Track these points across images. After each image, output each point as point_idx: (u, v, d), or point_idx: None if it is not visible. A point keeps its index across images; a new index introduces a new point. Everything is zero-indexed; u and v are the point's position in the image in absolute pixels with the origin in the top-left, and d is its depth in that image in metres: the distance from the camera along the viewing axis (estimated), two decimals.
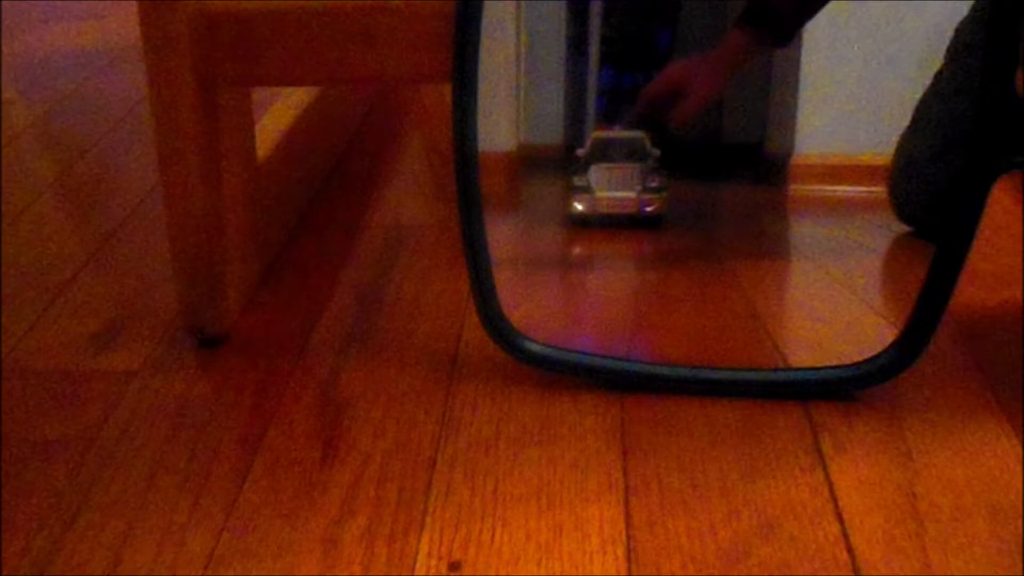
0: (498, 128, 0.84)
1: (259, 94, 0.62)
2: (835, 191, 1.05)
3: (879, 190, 0.97)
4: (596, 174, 0.70)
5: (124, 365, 0.52)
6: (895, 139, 0.98)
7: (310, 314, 0.57)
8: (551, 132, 0.95)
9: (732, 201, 0.94)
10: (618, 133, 0.73)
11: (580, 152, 0.72)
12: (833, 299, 0.63)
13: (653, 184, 0.68)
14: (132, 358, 0.52)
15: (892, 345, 0.44)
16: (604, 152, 0.72)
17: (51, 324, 0.56)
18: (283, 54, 0.43)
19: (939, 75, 0.82)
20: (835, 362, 0.48)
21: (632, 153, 0.70)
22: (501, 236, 0.67)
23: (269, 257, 0.61)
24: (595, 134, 0.73)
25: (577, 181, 0.69)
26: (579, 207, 0.68)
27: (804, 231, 0.85)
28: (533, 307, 0.53)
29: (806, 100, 1.05)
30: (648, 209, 0.68)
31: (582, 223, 0.71)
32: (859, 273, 0.71)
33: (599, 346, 0.48)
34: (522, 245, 0.70)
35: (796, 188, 1.05)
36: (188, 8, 0.43)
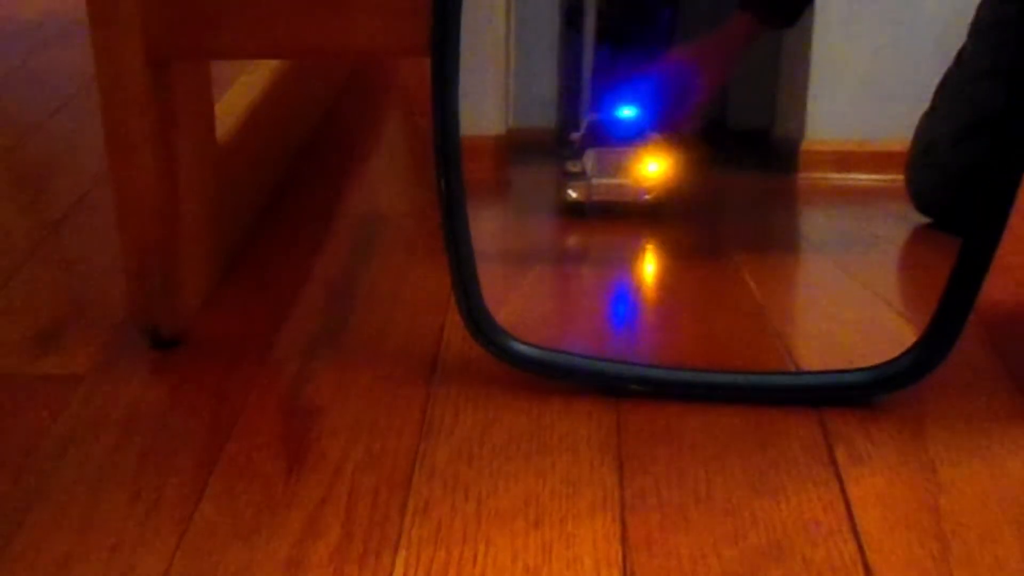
0: (486, 110, 0.83)
1: (219, 68, 0.61)
2: (847, 179, 1.05)
3: (895, 178, 0.97)
4: (591, 159, 0.69)
5: (69, 369, 0.50)
6: (913, 124, 0.97)
7: (276, 311, 0.55)
8: (543, 115, 0.94)
9: (739, 189, 0.94)
10: (614, 115, 0.73)
11: (575, 136, 0.71)
12: (848, 296, 0.62)
13: (652, 170, 0.69)
14: (78, 361, 0.51)
15: (913, 347, 0.44)
16: (600, 136, 0.72)
17: None
18: (242, 24, 0.42)
19: (961, 54, 0.81)
20: (851, 365, 0.47)
21: (631, 136, 0.70)
22: (487, 226, 0.66)
23: (231, 248, 0.59)
24: (590, 116, 0.73)
25: (571, 167, 0.69)
26: (573, 194, 0.68)
27: (815, 221, 0.85)
28: (521, 304, 0.52)
29: (817, 82, 1.04)
30: (647, 196, 0.68)
31: (576, 212, 0.71)
32: (875, 267, 0.70)
33: (593, 347, 0.47)
34: (510, 236, 0.69)
35: (806, 176, 1.05)
36: None
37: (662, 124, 0.77)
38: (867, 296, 0.63)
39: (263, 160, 0.65)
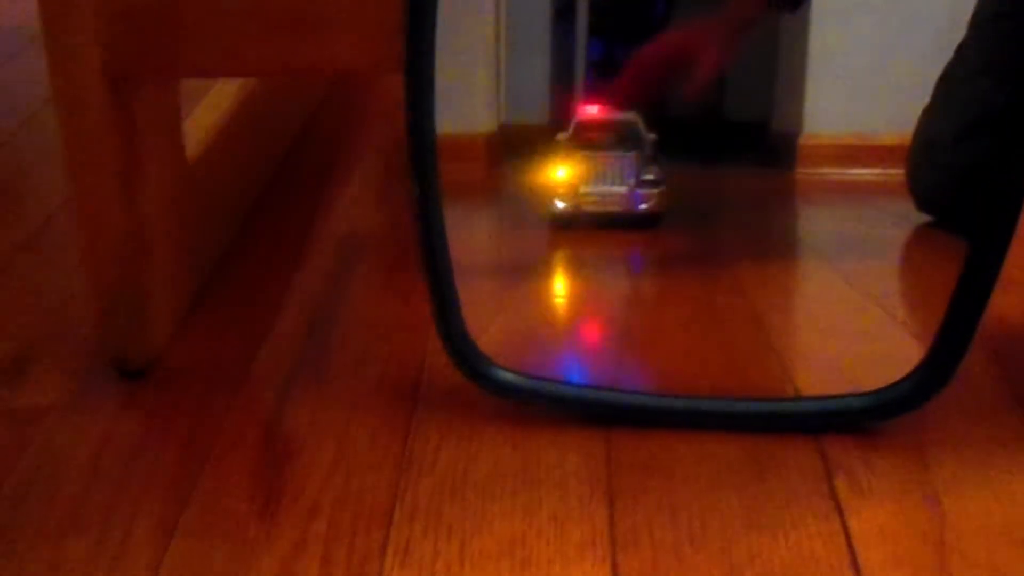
0: (477, 107, 0.80)
1: (189, 84, 0.59)
2: (846, 174, 1.04)
3: (894, 173, 0.95)
4: (579, 165, 0.65)
5: (34, 401, 0.49)
6: (912, 118, 0.95)
7: (251, 339, 0.54)
8: (535, 110, 0.91)
9: (735, 190, 0.92)
10: (607, 115, 0.69)
11: (561, 138, 0.67)
12: (850, 308, 0.61)
13: (649, 176, 0.63)
14: (44, 393, 0.49)
15: (915, 371, 0.42)
16: (590, 138, 0.67)
17: None
18: (208, 43, 0.40)
19: (962, 48, 0.80)
20: (853, 384, 0.46)
21: (624, 139, 0.65)
22: (471, 238, 0.64)
23: (203, 273, 0.57)
24: (579, 116, 0.68)
25: (558, 173, 0.64)
26: (560, 205, 0.63)
27: (816, 222, 0.83)
28: (504, 327, 0.51)
29: (815, 75, 1.03)
30: (643, 207, 0.63)
31: (563, 224, 0.67)
32: (878, 275, 0.69)
33: (581, 373, 0.46)
34: (493, 250, 0.67)
35: (804, 171, 1.03)
36: None
37: (656, 103, 0.74)
38: (869, 308, 0.61)
39: (236, 178, 0.63)
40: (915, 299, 0.64)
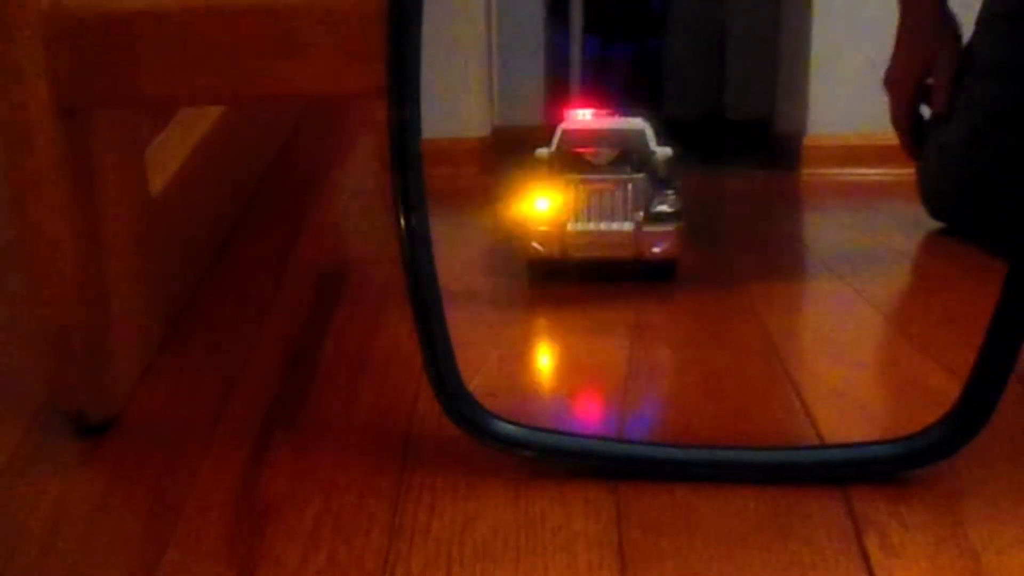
0: (469, 111, 0.76)
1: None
2: (851, 174, 1.01)
3: (897, 173, 0.93)
4: (566, 194, 0.48)
5: None
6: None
7: (223, 384, 0.50)
8: (529, 112, 0.86)
9: (739, 193, 0.88)
10: (603, 121, 0.52)
11: (542, 154, 0.51)
12: (867, 331, 0.57)
13: (663, 208, 0.48)
14: None
15: (949, 415, 0.39)
16: (580, 153, 0.50)
17: None
18: (170, 67, 0.37)
19: (969, 49, 0.77)
20: (876, 420, 0.43)
21: (628, 154, 0.49)
22: (462, 263, 0.58)
23: (171, 314, 0.53)
24: (565, 124, 0.52)
25: (537, 205, 0.49)
26: (540, 248, 0.48)
27: (824, 232, 0.79)
28: (494, 371, 0.47)
29: (818, 75, 1.00)
30: (656, 250, 0.47)
31: (545, 273, 0.50)
32: (893, 290, 0.65)
33: (585, 422, 0.42)
34: (487, 278, 0.61)
35: (809, 172, 1.00)
36: (40, 7, 0.36)
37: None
38: (889, 331, 0.57)
39: (206, 209, 0.59)
40: (934, 319, 0.61)
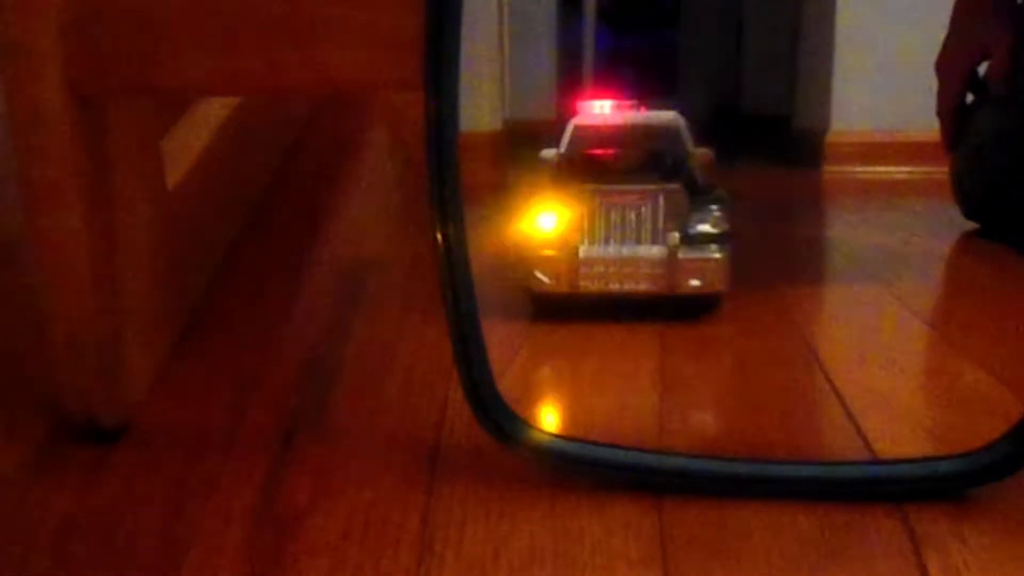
0: (481, 105, 0.74)
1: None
2: (876, 172, 0.98)
3: (924, 170, 0.90)
4: (578, 208, 0.40)
5: None
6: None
7: (241, 388, 0.48)
8: (541, 105, 0.83)
9: (764, 192, 0.85)
10: (624, 115, 0.43)
11: (549, 156, 0.42)
12: (910, 337, 0.55)
13: (705, 228, 0.38)
14: (4, 459, 0.43)
15: (1015, 429, 0.37)
16: (596, 157, 0.40)
17: None
18: (190, 56, 0.34)
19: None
20: (928, 432, 0.41)
21: (656, 155, 0.40)
22: (489, 262, 0.55)
23: (186, 311, 0.51)
24: (578, 118, 0.42)
25: (542, 224, 0.40)
26: (547, 281, 0.39)
27: (858, 234, 0.77)
28: (536, 380, 0.44)
29: (842, 70, 0.97)
30: (695, 283, 0.38)
31: (551, 309, 0.42)
32: (933, 295, 0.63)
33: (625, 434, 0.40)
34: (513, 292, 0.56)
35: (831, 169, 0.97)
36: None
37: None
38: (931, 337, 0.55)
39: (223, 203, 0.57)
40: (973, 323, 0.58)
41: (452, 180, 0.32)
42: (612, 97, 0.47)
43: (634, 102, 0.46)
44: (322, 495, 0.41)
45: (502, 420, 0.39)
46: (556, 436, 0.39)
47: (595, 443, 0.39)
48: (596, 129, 0.45)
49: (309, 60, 0.34)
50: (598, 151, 0.44)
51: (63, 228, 0.39)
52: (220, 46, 0.35)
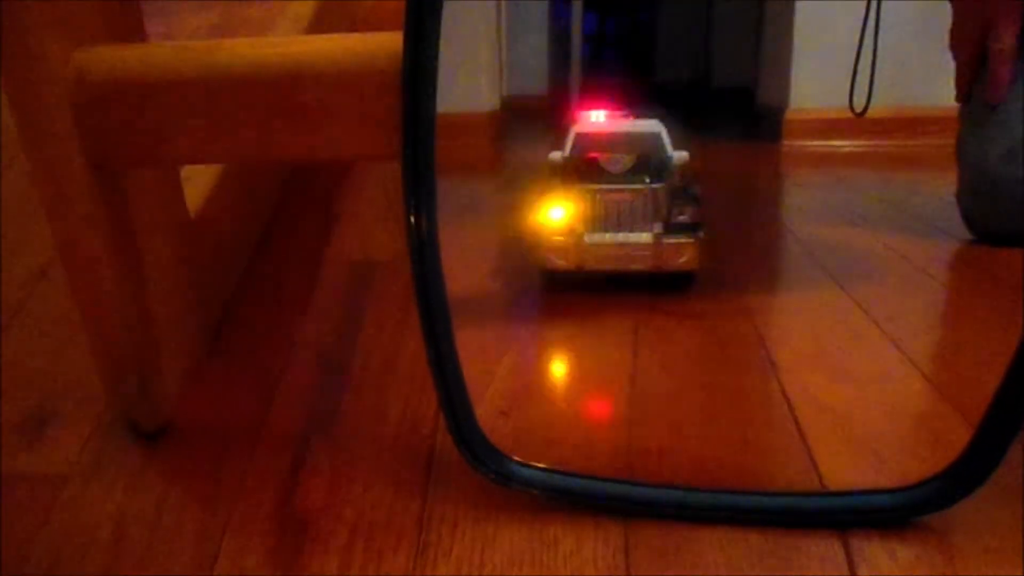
0: (479, 86, 0.78)
1: None
2: (830, 146, 1.00)
3: (873, 144, 0.92)
4: (581, 203, 0.48)
5: (52, 466, 0.49)
6: (898, 92, 0.92)
7: (264, 387, 0.53)
8: (535, 83, 0.90)
9: (727, 171, 0.87)
10: (618, 124, 0.50)
11: (556, 158, 0.49)
12: (866, 348, 0.56)
13: (683, 217, 0.47)
14: (61, 456, 0.49)
15: (952, 468, 0.41)
16: (595, 160, 0.48)
17: None
18: (193, 132, 0.37)
19: None
20: (878, 457, 0.44)
21: (644, 160, 0.48)
22: (466, 258, 0.56)
23: (213, 318, 0.56)
24: (579, 127, 0.49)
25: (551, 214, 0.48)
26: (558, 261, 0.47)
27: (816, 223, 0.78)
28: (509, 404, 0.48)
29: (800, 50, 0.98)
30: (681, 260, 0.47)
31: (561, 286, 0.49)
32: (889, 300, 0.63)
33: (588, 458, 0.44)
34: (487, 305, 0.55)
35: (790, 143, 0.99)
36: (67, 79, 0.37)
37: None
38: (888, 351, 0.56)
39: (242, 219, 0.60)
40: (933, 333, 0.60)
41: (433, 262, 0.35)
42: (608, 106, 0.52)
43: (623, 112, 0.52)
44: (334, 497, 0.47)
45: (486, 458, 0.43)
46: (539, 469, 0.43)
47: (572, 474, 0.43)
48: (593, 136, 0.52)
49: (298, 137, 0.37)
50: (596, 154, 0.52)
51: (93, 278, 0.43)
52: (218, 127, 0.37)
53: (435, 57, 0.34)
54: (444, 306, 0.38)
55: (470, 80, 0.73)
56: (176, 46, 0.38)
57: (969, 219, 0.73)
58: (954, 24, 0.68)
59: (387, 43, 0.36)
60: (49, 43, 0.37)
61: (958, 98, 0.72)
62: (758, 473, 0.46)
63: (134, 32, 0.43)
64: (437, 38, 0.34)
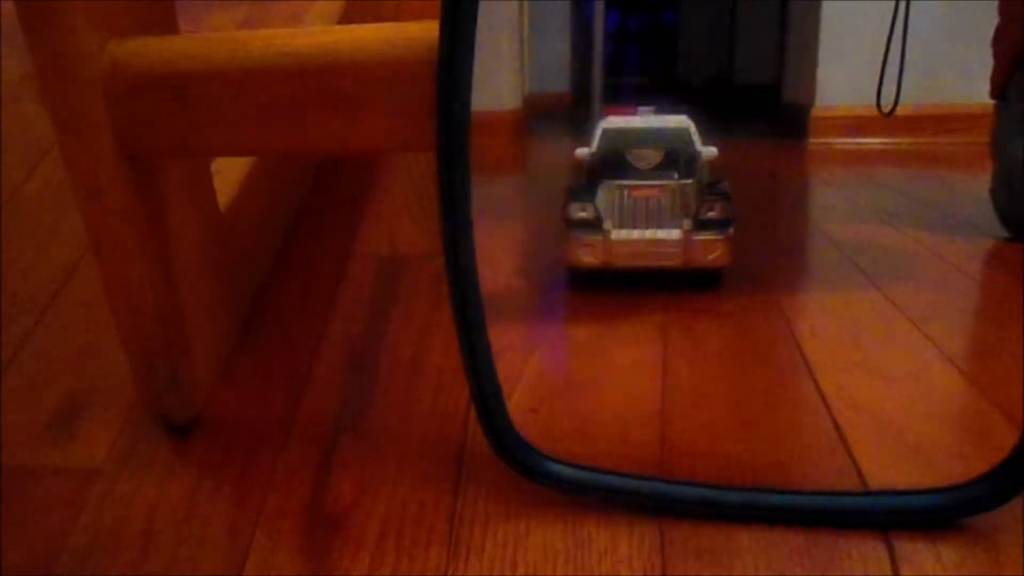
0: (501, 85, 0.77)
1: None
2: (856, 143, 0.97)
3: (899, 141, 0.90)
4: (609, 199, 0.46)
5: (85, 460, 0.48)
6: (925, 88, 0.90)
7: (293, 383, 0.52)
8: (558, 80, 0.89)
9: (754, 169, 0.85)
10: (646, 119, 0.49)
11: (583, 154, 0.48)
12: (905, 349, 0.54)
13: (711, 214, 0.46)
14: (94, 450, 0.49)
15: (997, 469, 0.39)
16: (622, 156, 0.47)
17: None
18: (226, 123, 0.37)
19: None
20: (920, 455, 0.43)
21: (673, 156, 0.46)
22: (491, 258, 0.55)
23: (243, 312, 0.55)
24: (607, 121, 0.48)
25: (579, 211, 0.47)
26: (586, 258, 0.47)
27: (849, 225, 0.76)
28: (539, 401, 0.47)
29: (827, 48, 0.96)
30: (711, 256, 0.46)
31: (591, 282, 0.49)
32: (928, 301, 0.61)
33: (626, 458, 0.42)
34: (517, 300, 0.54)
35: (816, 142, 0.97)
36: (101, 70, 0.36)
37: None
38: (927, 350, 0.54)
39: (271, 211, 0.60)
40: (970, 331, 0.58)
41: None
42: (636, 102, 0.52)
43: (652, 107, 0.51)
44: (364, 494, 0.46)
45: (519, 454, 0.42)
46: (572, 466, 0.42)
47: (604, 471, 0.42)
48: (621, 132, 0.51)
49: (333, 128, 0.36)
50: (626, 148, 0.50)
51: (125, 272, 0.43)
52: (251, 117, 0.37)
53: (472, 45, 0.33)
54: (477, 296, 0.37)
55: (492, 79, 0.73)
56: (209, 37, 0.38)
57: (1004, 215, 0.71)
58: (1000, 23, 0.66)
59: (422, 32, 0.35)
60: (83, 35, 0.36)
61: (992, 94, 0.70)
62: (795, 472, 0.44)
63: (167, 24, 0.42)
64: (474, 25, 0.32)
